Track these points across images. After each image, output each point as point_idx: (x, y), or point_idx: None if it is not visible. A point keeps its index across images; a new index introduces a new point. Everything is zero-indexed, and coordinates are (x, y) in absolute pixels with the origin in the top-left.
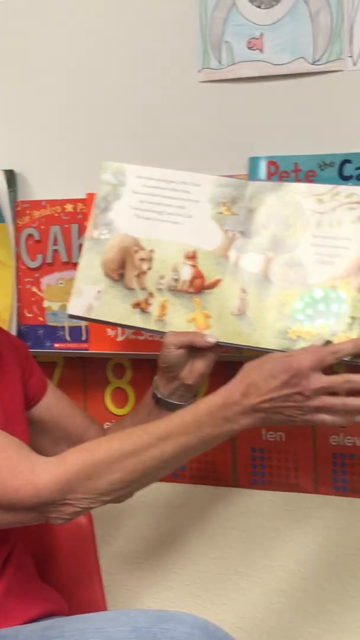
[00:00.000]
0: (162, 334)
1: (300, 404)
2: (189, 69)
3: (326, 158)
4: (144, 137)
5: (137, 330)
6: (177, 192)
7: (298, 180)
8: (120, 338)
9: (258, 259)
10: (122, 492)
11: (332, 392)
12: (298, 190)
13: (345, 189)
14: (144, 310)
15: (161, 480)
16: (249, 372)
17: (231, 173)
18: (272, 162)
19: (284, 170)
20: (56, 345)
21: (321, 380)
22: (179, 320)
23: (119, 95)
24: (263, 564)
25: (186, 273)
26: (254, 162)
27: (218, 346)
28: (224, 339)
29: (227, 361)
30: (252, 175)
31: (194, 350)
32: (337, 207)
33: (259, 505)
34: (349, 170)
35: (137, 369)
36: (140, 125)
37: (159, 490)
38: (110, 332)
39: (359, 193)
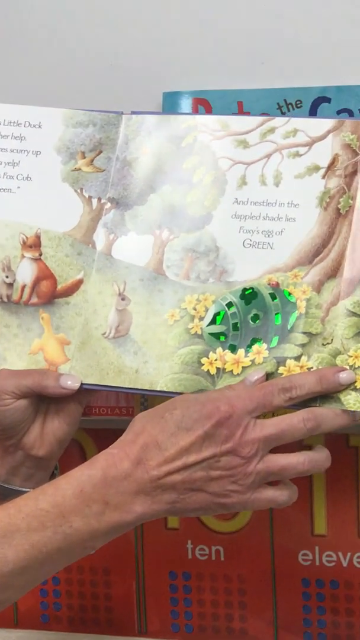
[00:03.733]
0: None
1: (234, 472)
2: None
3: (289, 94)
4: None
5: None
6: (6, 139)
7: None
8: None
9: (144, 242)
10: None
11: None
12: (206, 126)
13: (285, 123)
14: None
15: (21, 624)
16: (144, 426)
17: None
18: (201, 101)
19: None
20: None
21: (264, 427)
22: (16, 351)
23: None
24: None
25: (26, 272)
26: (171, 99)
27: (85, 392)
28: (94, 379)
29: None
30: None
31: (44, 400)
32: (272, 154)
33: None
34: (325, 112)
35: None
36: None
37: None
38: None
39: (306, 129)
